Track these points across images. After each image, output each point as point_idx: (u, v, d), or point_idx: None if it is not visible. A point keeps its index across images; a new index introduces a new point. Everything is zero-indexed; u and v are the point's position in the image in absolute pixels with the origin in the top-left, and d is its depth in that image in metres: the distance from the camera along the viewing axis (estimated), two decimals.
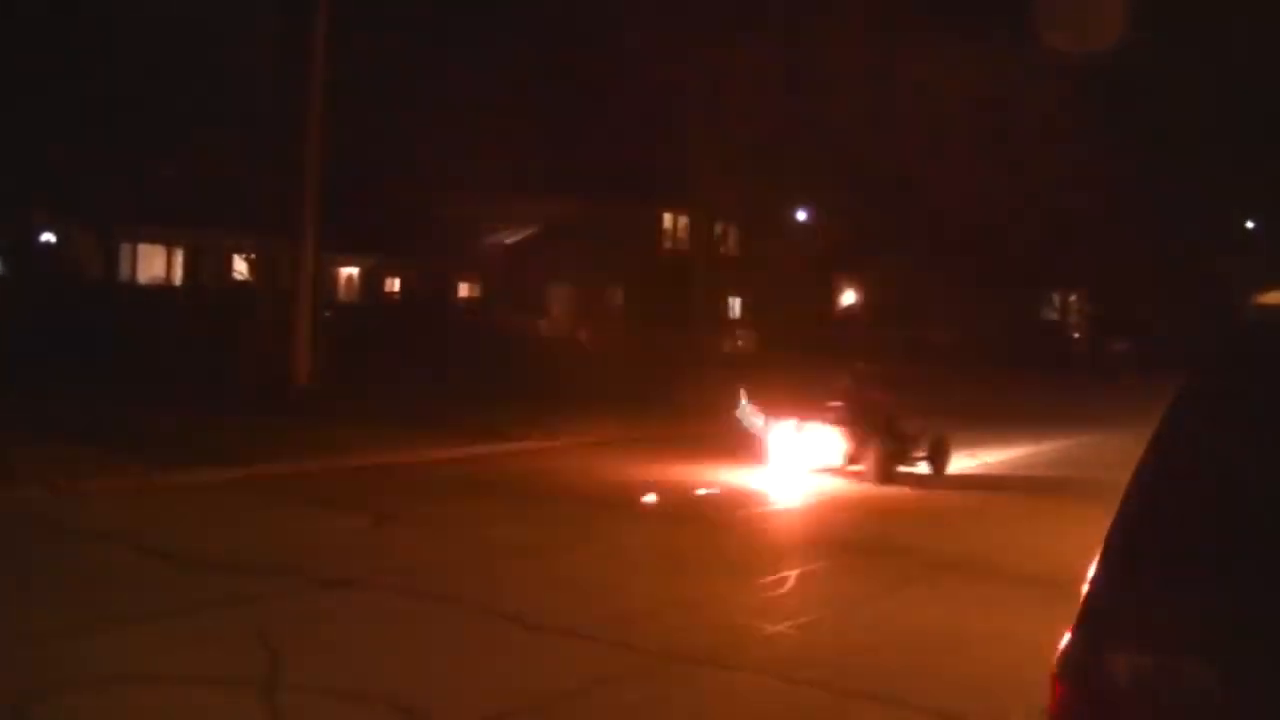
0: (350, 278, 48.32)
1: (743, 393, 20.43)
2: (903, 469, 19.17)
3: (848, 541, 14.11)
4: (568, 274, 50.45)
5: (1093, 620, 4.14)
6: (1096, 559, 4.19)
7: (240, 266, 36.80)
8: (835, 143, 46.53)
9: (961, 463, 20.37)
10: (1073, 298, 71.46)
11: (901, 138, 46.61)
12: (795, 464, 19.19)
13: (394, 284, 50.00)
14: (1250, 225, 67.29)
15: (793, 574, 11.77)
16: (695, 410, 24.57)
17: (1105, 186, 52.07)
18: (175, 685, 8.03)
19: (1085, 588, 4.18)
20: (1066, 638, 4.15)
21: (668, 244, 55.66)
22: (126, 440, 16.46)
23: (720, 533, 14.23)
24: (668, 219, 55.71)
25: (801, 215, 56.08)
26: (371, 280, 48.81)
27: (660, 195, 52.45)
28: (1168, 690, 4.03)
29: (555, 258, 49.30)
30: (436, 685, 8.31)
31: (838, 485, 18.44)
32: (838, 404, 19.52)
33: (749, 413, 20.11)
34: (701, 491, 16.81)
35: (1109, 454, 17.15)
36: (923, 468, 19.62)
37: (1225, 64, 49.08)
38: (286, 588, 10.55)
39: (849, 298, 64.91)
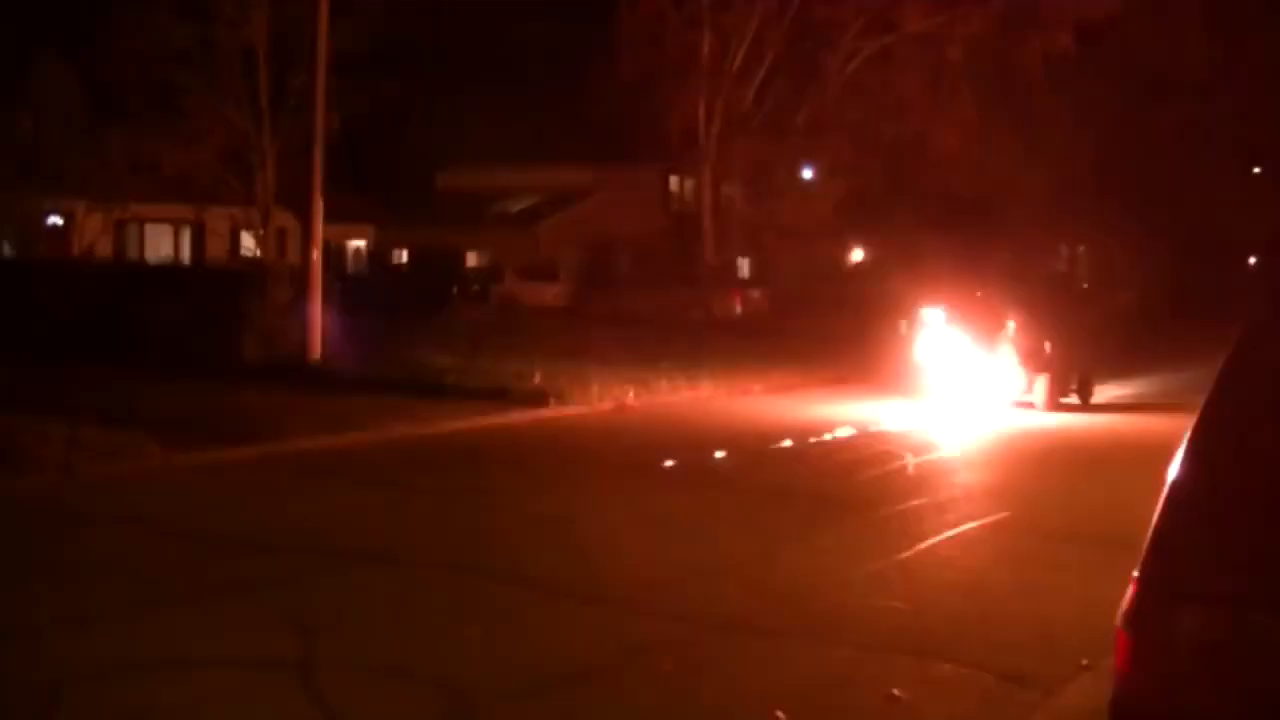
0: (358, 250, 48.27)
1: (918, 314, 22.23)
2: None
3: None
4: (576, 240, 50.31)
5: (1159, 571, 4.04)
6: (1159, 508, 4.08)
7: (249, 243, 36.81)
8: (840, 104, 46.33)
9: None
10: (1081, 249, 71.24)
11: (899, 96, 46.30)
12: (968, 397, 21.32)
13: (401, 255, 49.90)
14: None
15: None
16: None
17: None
18: (212, 669, 7.94)
19: (1149, 538, 4.08)
20: (1131, 590, 4.05)
21: (675, 206, 55.51)
22: (141, 422, 16.31)
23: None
24: (674, 181, 55.53)
25: (808, 174, 55.82)
26: (379, 252, 48.74)
27: (667, 158, 52.24)
28: (1239, 642, 3.92)
29: (563, 224, 49.19)
30: (474, 659, 8.24)
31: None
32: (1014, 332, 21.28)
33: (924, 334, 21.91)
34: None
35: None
36: (1073, 398, 21.93)
37: None
38: (313, 565, 10.49)
39: (858, 255, 64.69)
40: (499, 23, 42.65)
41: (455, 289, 43.34)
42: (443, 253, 46.81)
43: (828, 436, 18.31)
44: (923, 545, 11.40)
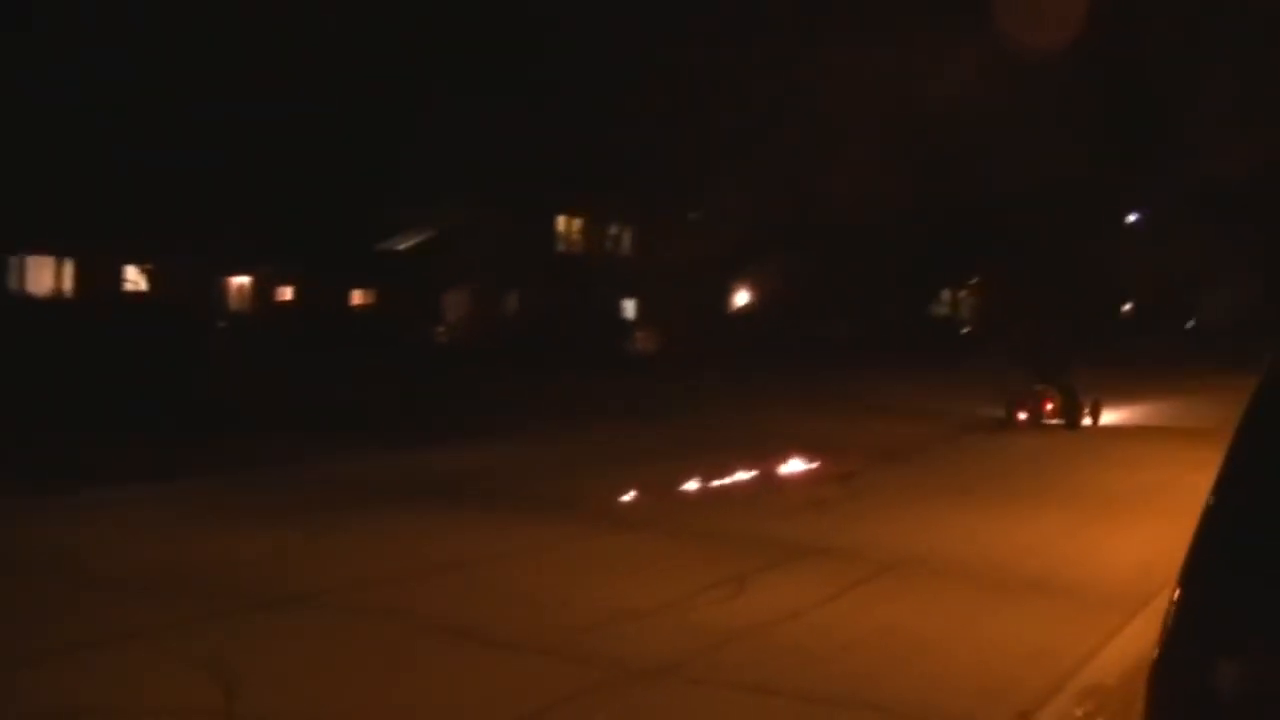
0: (241, 287, 47.44)
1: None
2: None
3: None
4: (463, 279, 49.99)
5: (1198, 623, 3.84)
6: (1188, 558, 3.91)
7: (134, 278, 36.04)
8: (729, 143, 46.60)
9: None
10: (962, 293, 72.34)
11: (795, 139, 46.73)
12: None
13: (286, 293, 49.14)
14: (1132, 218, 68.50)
15: None
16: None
17: (994, 186, 52.61)
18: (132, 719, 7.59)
19: (1177, 592, 3.90)
20: (1161, 646, 3.86)
21: (562, 247, 55.43)
22: (36, 459, 15.81)
23: None
24: (562, 221, 55.47)
25: (694, 216, 56.08)
26: (264, 290, 47.94)
27: (555, 198, 52.26)
28: None
29: (450, 263, 48.82)
30: (398, 708, 7.95)
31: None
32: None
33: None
34: None
35: None
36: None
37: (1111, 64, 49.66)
38: (228, 608, 10.08)
39: (743, 297, 65.08)
40: (399, 55, 42.29)
41: (341, 326, 42.90)
42: (329, 290, 46.25)
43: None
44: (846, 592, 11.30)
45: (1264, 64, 46.90)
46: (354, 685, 8.35)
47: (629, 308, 57.51)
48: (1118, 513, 16.44)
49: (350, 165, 41.97)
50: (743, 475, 18.37)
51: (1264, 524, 3.94)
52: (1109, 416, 28.56)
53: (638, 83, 44.32)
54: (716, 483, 17.63)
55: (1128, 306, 78.13)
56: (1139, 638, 9.84)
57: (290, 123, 38.90)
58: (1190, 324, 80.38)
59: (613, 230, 54.43)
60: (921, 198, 51.06)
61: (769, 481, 18.30)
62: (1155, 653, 3.90)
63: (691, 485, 17.30)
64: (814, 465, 19.57)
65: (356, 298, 50.32)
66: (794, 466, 19.50)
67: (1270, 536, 3.92)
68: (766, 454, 19.93)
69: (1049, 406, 26.95)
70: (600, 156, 46.74)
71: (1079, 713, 8.06)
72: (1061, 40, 46.05)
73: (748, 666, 8.99)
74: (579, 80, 43.79)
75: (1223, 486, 4.02)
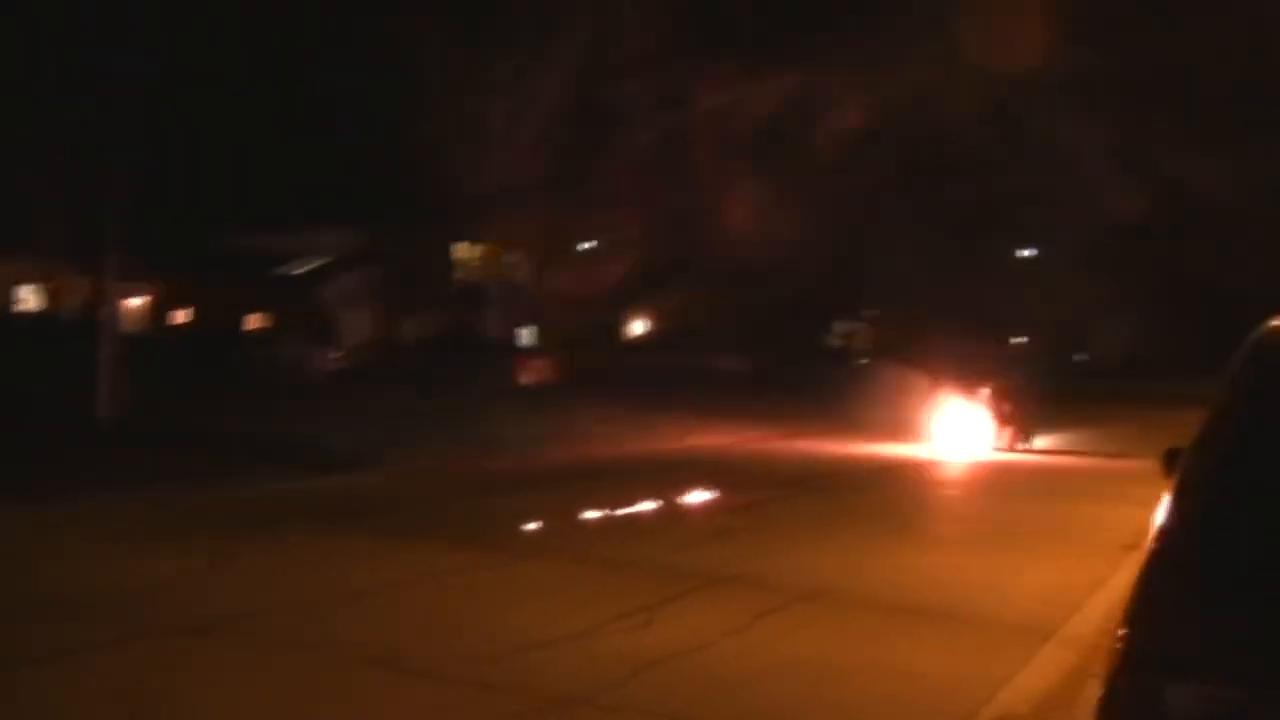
0: (137, 308, 46.76)
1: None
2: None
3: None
4: (358, 304, 49.68)
5: (1149, 655, 3.86)
6: (1137, 589, 3.94)
7: (26, 296, 35.40)
8: (625, 173, 46.61)
9: None
10: (855, 325, 72.96)
11: (687, 169, 46.86)
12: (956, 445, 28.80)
13: (182, 315, 48.51)
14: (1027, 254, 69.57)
15: None
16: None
17: (886, 220, 53.15)
18: None
19: (1123, 628, 3.92)
20: (1110, 679, 3.89)
21: (461, 273, 55.25)
22: None
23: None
24: (459, 248, 55.31)
25: (589, 246, 56.13)
26: (159, 311, 47.28)
27: (453, 224, 52.08)
28: None
29: (346, 288, 48.51)
30: None
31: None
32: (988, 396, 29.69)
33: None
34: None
35: None
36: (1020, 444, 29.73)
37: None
38: (129, 636, 9.87)
39: (638, 327, 65.24)
40: (281, 77, 41.92)
41: (237, 350, 42.46)
42: (224, 313, 45.79)
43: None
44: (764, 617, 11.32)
45: (1153, 105, 47.86)
46: (271, 715, 8.22)
47: (526, 335, 57.38)
48: (1019, 544, 16.60)
49: (250, 189, 41.56)
50: (645, 505, 18.35)
51: (1213, 554, 3.99)
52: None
53: (535, 112, 44.32)
54: (619, 511, 17.61)
55: (1019, 340, 79.14)
56: (1048, 666, 9.99)
57: (189, 143, 38.50)
58: (1080, 357, 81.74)
59: (511, 258, 54.27)
60: (815, 229, 51.39)
61: (671, 511, 18.30)
62: (1104, 683, 3.93)
63: (593, 514, 17.26)
64: (715, 495, 19.61)
65: (253, 321, 49.79)
66: (696, 496, 19.52)
67: (1220, 566, 3.97)
68: (667, 483, 19.96)
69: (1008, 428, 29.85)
70: (498, 183, 46.63)
71: None
72: (956, 78, 46.79)
73: (662, 696, 8.97)
74: (474, 109, 43.60)
75: (1173, 516, 4.07)
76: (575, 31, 43.17)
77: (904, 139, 50.23)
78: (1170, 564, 3.97)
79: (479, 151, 44.08)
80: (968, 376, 30.46)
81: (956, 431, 29.39)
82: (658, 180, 46.27)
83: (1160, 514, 4.12)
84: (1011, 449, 29.35)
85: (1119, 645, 3.90)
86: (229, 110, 40.73)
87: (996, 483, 24.24)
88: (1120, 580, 13.80)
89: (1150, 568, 3.98)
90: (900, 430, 30.50)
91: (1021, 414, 29.90)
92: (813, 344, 69.17)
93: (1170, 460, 7.54)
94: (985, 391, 29.77)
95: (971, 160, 52.50)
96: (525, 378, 45.40)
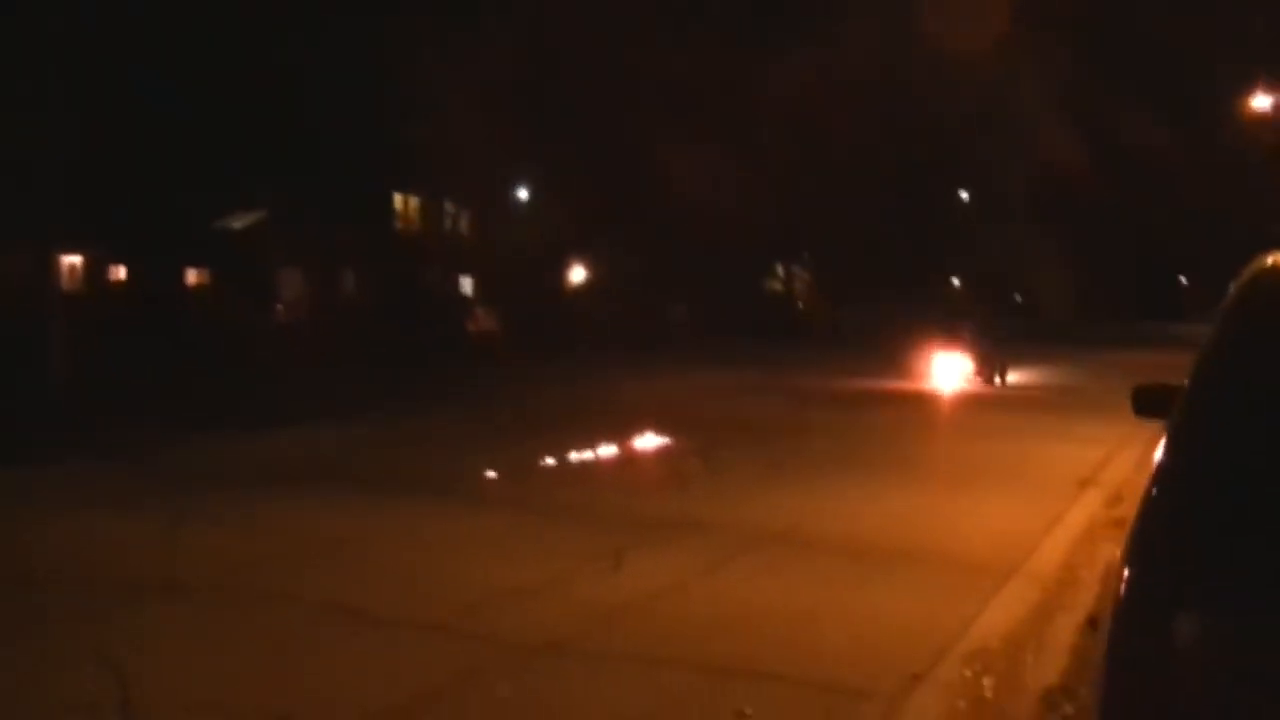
0: (73, 267, 46.21)
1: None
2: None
3: None
4: (299, 258, 49.36)
5: (1154, 581, 3.93)
6: (1139, 517, 4.02)
7: None
8: (565, 120, 46.54)
9: None
10: (796, 268, 73.09)
11: (627, 115, 46.85)
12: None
13: (118, 273, 47.98)
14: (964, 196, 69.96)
15: None
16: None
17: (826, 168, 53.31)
18: (25, 715, 7.41)
19: (1129, 553, 4.01)
20: (1118, 592, 3.94)
21: (399, 225, 54.98)
22: None
23: None
24: (399, 200, 55.01)
25: (525, 194, 56.02)
26: (95, 271, 46.72)
27: (391, 175, 51.82)
28: (1252, 654, 3.77)
29: (286, 242, 48.16)
30: (299, 691, 7.84)
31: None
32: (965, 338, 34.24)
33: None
34: None
35: None
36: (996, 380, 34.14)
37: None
38: (107, 600, 9.81)
39: (579, 275, 65.15)
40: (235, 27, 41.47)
41: (177, 308, 42.20)
42: (162, 271, 45.35)
43: None
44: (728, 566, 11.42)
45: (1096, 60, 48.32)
46: (252, 669, 8.24)
47: (467, 286, 57.28)
48: (977, 485, 16.78)
49: (183, 143, 41.11)
50: (601, 452, 18.45)
51: (1213, 485, 4.08)
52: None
53: (470, 61, 44.03)
54: (576, 459, 17.70)
55: (957, 283, 79.75)
56: (1014, 603, 10.15)
57: (120, 99, 38.07)
58: (1018, 299, 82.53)
59: (449, 210, 54.08)
60: (757, 177, 51.54)
61: (629, 458, 18.40)
62: (1111, 618, 4.01)
63: (550, 462, 17.35)
64: (672, 441, 19.73)
65: (191, 278, 49.33)
66: (650, 443, 19.64)
67: (1220, 498, 4.05)
68: (620, 431, 20.06)
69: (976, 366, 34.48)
70: (435, 135, 46.37)
71: (968, 673, 8.27)
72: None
73: (639, 639, 9.06)
74: (413, 61, 43.26)
75: (1172, 450, 4.16)
76: None
77: (845, 94, 50.45)
78: (1175, 500, 4.06)
79: (414, 103, 43.82)
80: (945, 321, 35.41)
81: (940, 369, 33.71)
82: (594, 126, 46.13)
83: (1159, 453, 4.21)
84: (989, 383, 33.68)
85: (1124, 583, 3.98)
86: (162, 68, 40.26)
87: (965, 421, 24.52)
88: (1075, 517, 14.07)
89: (1154, 503, 4.07)
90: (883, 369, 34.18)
91: (994, 354, 34.35)
92: (755, 288, 69.42)
93: (1140, 398, 7.71)
94: (963, 334, 34.12)
95: (913, 114, 52.79)
96: (469, 328, 45.30)
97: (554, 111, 45.66)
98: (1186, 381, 4.37)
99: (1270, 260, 4.86)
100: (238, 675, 8.11)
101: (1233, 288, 4.81)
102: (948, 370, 33.45)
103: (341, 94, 43.46)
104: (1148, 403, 7.62)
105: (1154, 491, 4.10)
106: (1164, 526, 3.99)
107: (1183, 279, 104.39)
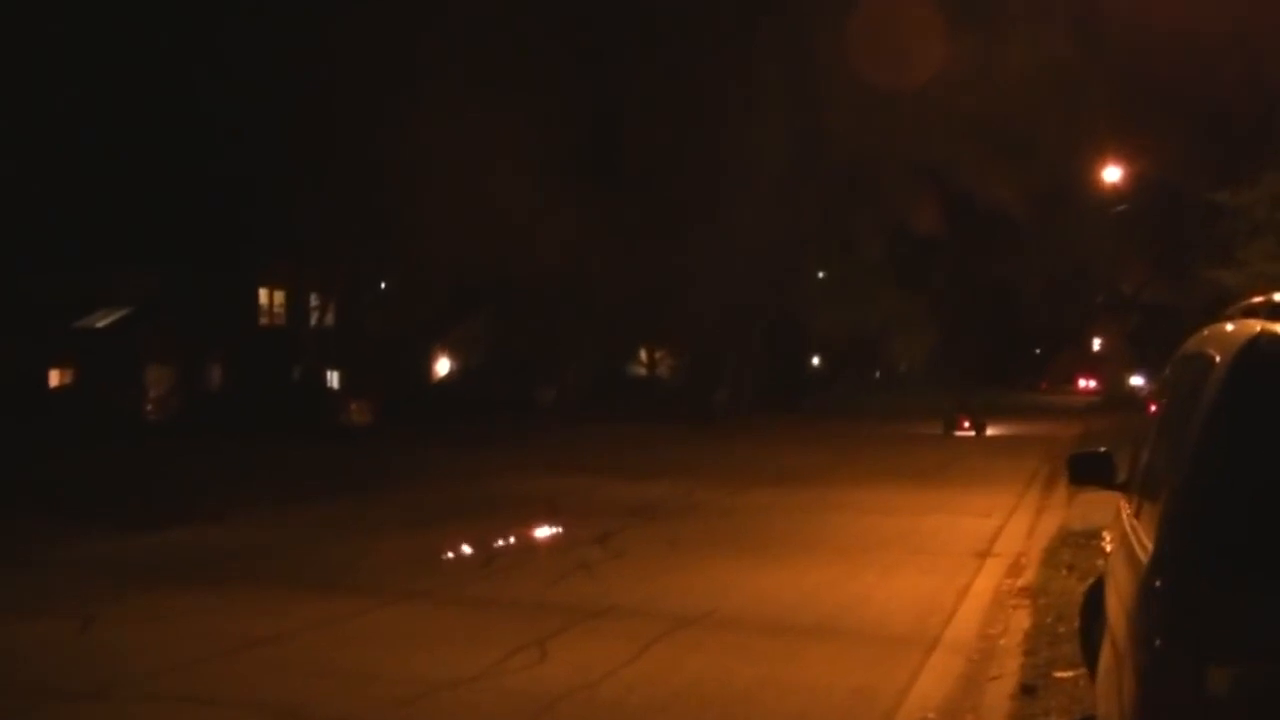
0: None
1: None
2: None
3: None
4: (165, 354, 48.69)
5: (1185, 631, 3.97)
6: (1160, 567, 4.05)
7: None
8: (413, 214, 46.01)
9: None
10: (659, 352, 73.41)
11: (467, 202, 46.31)
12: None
13: None
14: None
15: None
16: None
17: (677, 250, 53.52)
18: None
19: (1146, 606, 4.04)
20: (1144, 657, 3.96)
21: (265, 319, 54.50)
22: None
23: None
24: (264, 294, 54.56)
25: (387, 286, 55.84)
26: None
27: (256, 268, 51.52)
28: None
29: (151, 337, 47.54)
30: None
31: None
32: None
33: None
34: None
35: None
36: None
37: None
38: (23, 707, 9.63)
39: (444, 365, 64.93)
40: (84, 121, 40.96)
41: (42, 407, 41.39)
42: (24, 369, 44.43)
43: None
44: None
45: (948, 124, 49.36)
46: None
47: (334, 379, 56.79)
48: (878, 558, 16.97)
49: (45, 239, 40.49)
50: (500, 542, 18.37)
51: (1244, 527, 4.12)
52: None
53: (325, 154, 43.70)
54: (475, 550, 17.62)
55: (817, 360, 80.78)
56: (943, 674, 10.32)
57: None
58: (878, 374, 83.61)
59: (314, 302, 53.70)
60: (621, 257, 51.72)
61: (528, 547, 18.35)
62: (1139, 676, 4.06)
63: (451, 554, 17.26)
64: (566, 529, 19.71)
65: (55, 377, 48.27)
66: (547, 531, 19.60)
67: (1253, 540, 4.09)
68: (513, 520, 20.04)
69: (966, 422, 47.85)
70: (297, 228, 46.07)
71: None
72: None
73: None
74: (266, 157, 42.79)
75: (1195, 489, 4.22)
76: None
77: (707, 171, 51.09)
78: (1192, 544, 4.12)
79: (278, 195, 43.44)
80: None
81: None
82: (448, 210, 45.30)
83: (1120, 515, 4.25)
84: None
85: (1153, 639, 4.02)
86: (32, 150, 39.71)
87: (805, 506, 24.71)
88: (981, 586, 14.34)
89: (1170, 556, 4.13)
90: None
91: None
92: (620, 371, 69.71)
93: (1075, 467, 7.94)
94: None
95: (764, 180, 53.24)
96: (342, 421, 44.86)
97: (409, 201, 45.12)
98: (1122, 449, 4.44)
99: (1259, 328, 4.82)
100: None
101: (1217, 362, 4.78)
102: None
103: (204, 188, 43.01)
104: (1084, 471, 7.88)
105: (1168, 545, 4.18)
106: (1190, 579, 4.06)
107: (1038, 350, 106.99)
